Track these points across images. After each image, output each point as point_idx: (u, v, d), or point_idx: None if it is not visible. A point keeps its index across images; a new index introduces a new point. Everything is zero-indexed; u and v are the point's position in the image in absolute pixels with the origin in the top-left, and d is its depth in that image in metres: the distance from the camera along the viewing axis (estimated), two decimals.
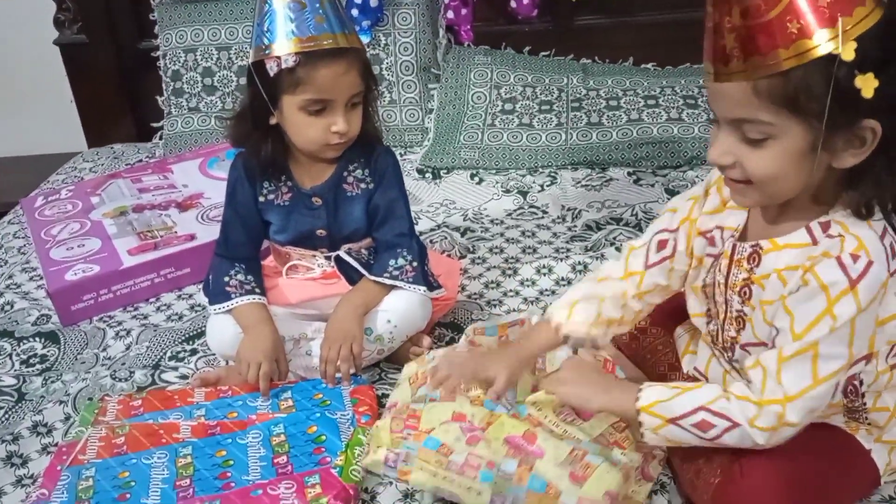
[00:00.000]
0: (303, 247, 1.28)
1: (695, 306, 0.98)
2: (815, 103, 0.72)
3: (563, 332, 0.99)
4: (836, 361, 0.78)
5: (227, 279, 1.23)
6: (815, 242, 0.80)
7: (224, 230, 1.28)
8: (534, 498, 0.87)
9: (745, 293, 0.87)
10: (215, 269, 1.25)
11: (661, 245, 0.98)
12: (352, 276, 1.26)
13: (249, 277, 1.24)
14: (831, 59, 0.70)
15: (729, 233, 0.91)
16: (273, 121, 1.17)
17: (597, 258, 1.50)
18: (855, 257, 0.76)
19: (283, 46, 1.11)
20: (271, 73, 1.12)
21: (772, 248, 0.84)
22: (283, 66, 1.10)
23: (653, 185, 1.78)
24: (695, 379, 1.03)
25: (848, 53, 0.69)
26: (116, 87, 2.26)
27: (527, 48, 2.15)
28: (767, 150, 0.76)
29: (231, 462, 1.04)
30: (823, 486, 0.84)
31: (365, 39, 1.99)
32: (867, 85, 0.70)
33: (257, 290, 1.23)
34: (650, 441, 0.87)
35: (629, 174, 1.84)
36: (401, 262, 1.23)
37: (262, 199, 1.25)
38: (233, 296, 1.21)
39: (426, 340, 1.27)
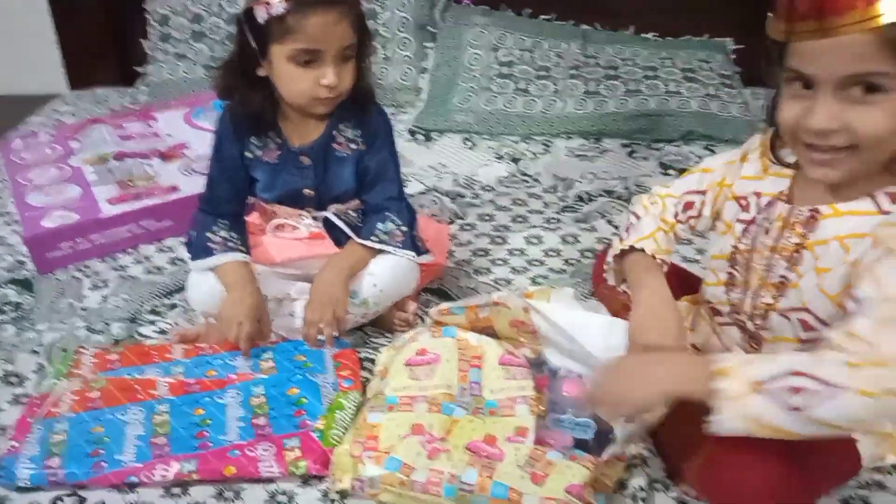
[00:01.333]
0: (289, 205, 1.25)
1: (712, 276, 0.95)
2: None
3: (659, 258, 0.97)
4: None
5: (210, 235, 1.19)
6: (881, 211, 0.78)
7: (209, 185, 1.23)
8: None
9: (793, 259, 0.85)
10: (198, 224, 1.22)
11: (689, 206, 0.99)
12: (338, 238, 1.24)
13: (233, 234, 1.20)
14: None
15: (766, 199, 0.88)
16: (262, 72, 1.13)
17: (588, 230, 1.48)
18: None
19: None
20: (261, 21, 1.07)
21: (831, 215, 0.81)
22: (273, 13, 1.06)
23: (647, 159, 1.76)
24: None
25: None
26: (101, 28, 2.18)
27: (527, 10, 2.10)
28: (879, 108, 0.72)
29: (209, 421, 1.02)
30: (808, 466, 0.82)
31: None
32: None
33: (241, 248, 1.20)
34: (727, 425, 0.74)
35: (624, 146, 1.81)
36: (389, 226, 1.20)
37: (249, 154, 1.21)
38: (215, 252, 1.18)
39: (412, 306, 1.25)
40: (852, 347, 0.72)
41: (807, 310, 0.84)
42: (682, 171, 1.66)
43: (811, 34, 0.71)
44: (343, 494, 0.93)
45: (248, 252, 1.21)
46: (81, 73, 2.22)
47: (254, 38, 1.09)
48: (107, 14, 2.16)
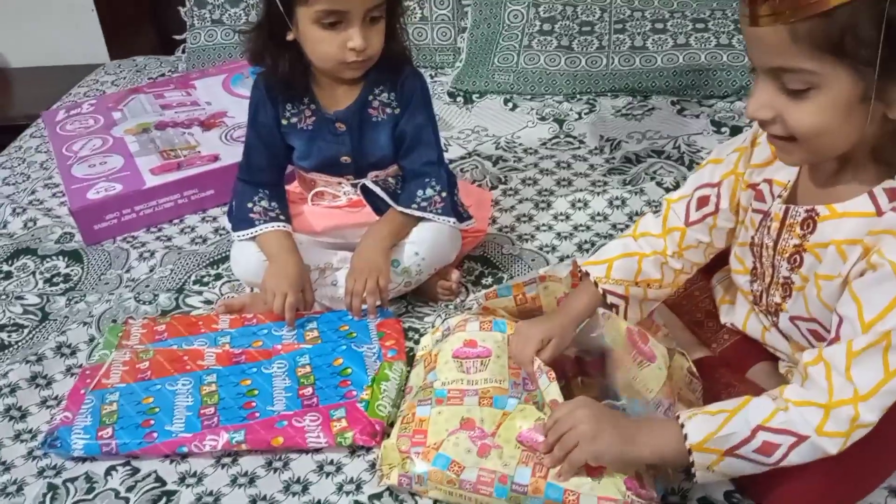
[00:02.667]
0: (328, 173, 1.23)
1: (737, 263, 0.91)
2: (864, 48, 0.63)
3: (601, 287, 0.94)
4: None
5: (250, 205, 1.19)
6: (879, 213, 0.73)
7: (246, 154, 1.23)
8: None
9: (795, 260, 0.80)
10: (239, 195, 1.21)
11: (703, 202, 0.91)
12: (378, 205, 1.22)
13: (273, 204, 1.20)
14: None
15: (779, 188, 0.83)
16: (290, 36, 1.10)
17: (636, 193, 1.43)
18: None
19: None
20: None
21: (829, 216, 0.76)
22: None
23: (697, 116, 1.69)
24: (733, 332, 0.98)
25: None
26: None
27: None
28: (810, 103, 0.68)
29: (256, 392, 1.03)
30: (864, 462, 0.79)
31: None
32: None
33: (282, 218, 1.19)
34: (701, 479, 0.78)
35: (673, 103, 1.74)
36: (429, 192, 1.18)
37: (284, 122, 1.19)
38: (257, 223, 1.18)
39: (455, 274, 1.23)
40: (818, 375, 0.72)
41: (815, 320, 0.80)
42: (734, 129, 1.62)
43: (743, 19, 0.69)
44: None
45: (289, 221, 1.20)
46: (121, 42, 2.23)
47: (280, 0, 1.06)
48: None
